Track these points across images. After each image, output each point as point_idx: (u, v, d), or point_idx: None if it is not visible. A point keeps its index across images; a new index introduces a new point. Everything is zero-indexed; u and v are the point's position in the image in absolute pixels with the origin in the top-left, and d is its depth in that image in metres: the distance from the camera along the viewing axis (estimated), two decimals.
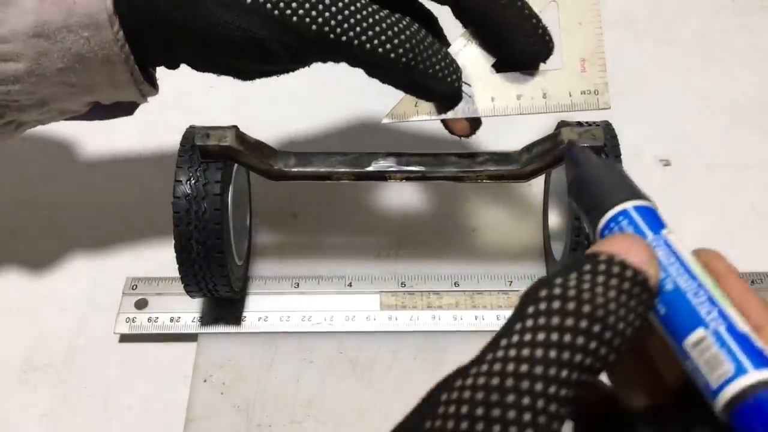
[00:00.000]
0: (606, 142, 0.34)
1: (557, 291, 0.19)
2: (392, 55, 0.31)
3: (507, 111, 0.35)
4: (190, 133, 0.36)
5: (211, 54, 0.33)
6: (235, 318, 0.42)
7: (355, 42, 0.31)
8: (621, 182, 0.23)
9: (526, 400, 0.17)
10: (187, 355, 0.41)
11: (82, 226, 0.46)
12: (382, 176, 0.36)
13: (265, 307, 0.42)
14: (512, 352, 0.18)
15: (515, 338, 0.18)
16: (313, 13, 0.31)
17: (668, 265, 0.20)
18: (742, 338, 0.18)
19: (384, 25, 0.31)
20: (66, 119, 0.37)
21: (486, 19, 0.33)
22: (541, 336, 0.18)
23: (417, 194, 0.48)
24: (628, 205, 0.22)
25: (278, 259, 0.45)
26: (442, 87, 0.33)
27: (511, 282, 0.43)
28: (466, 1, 0.33)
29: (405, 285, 0.43)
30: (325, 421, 0.38)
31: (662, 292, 0.20)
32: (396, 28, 0.31)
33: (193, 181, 0.35)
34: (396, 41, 0.31)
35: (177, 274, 0.37)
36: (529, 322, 0.18)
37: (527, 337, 0.18)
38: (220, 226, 0.35)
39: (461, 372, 0.19)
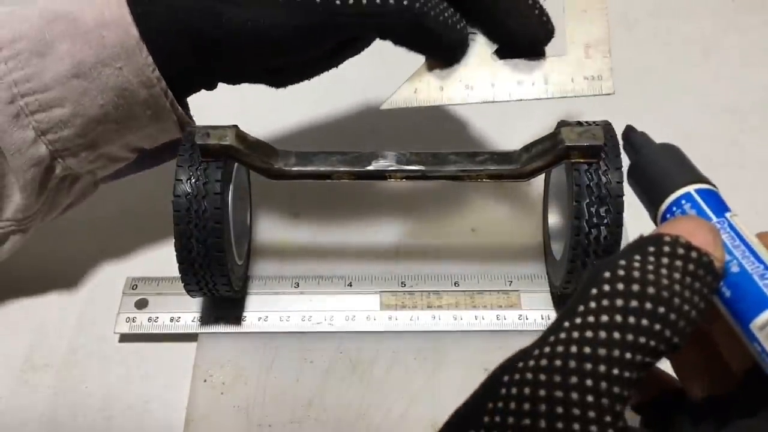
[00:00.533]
0: (606, 142, 0.34)
1: (621, 272, 0.18)
2: (405, 3, 0.32)
3: (507, 97, 0.35)
4: (191, 132, 0.36)
5: (237, 57, 0.34)
6: (235, 318, 0.41)
7: (364, 1, 0.32)
8: (682, 166, 0.23)
9: (589, 382, 0.17)
10: (187, 355, 0.41)
11: (82, 226, 0.46)
12: (382, 175, 0.36)
13: (265, 307, 0.42)
14: (575, 334, 0.18)
15: (578, 320, 0.18)
16: None
17: (733, 248, 0.20)
18: None
19: None
20: (117, 176, 0.39)
21: (482, 2, 0.34)
22: (604, 318, 0.18)
23: (417, 194, 0.48)
24: (691, 188, 0.22)
25: (278, 259, 0.45)
26: (453, 34, 0.34)
27: (511, 282, 0.43)
28: None
29: (405, 285, 0.43)
30: (325, 421, 0.38)
31: (727, 274, 0.20)
32: None
33: (193, 180, 0.35)
34: None
35: (177, 274, 0.37)
36: (593, 304, 0.18)
37: (590, 318, 0.18)
38: (221, 224, 0.35)
39: (524, 353, 0.19)
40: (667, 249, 0.19)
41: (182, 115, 0.36)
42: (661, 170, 0.23)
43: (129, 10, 0.32)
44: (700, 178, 0.22)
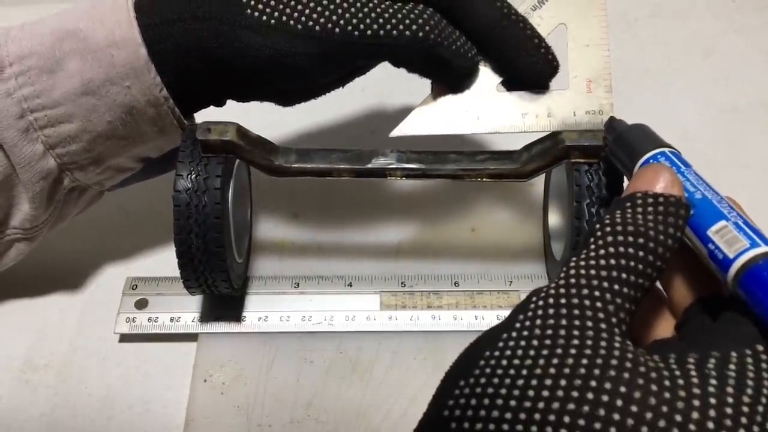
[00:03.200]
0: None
1: (607, 221, 0.24)
2: (420, 34, 0.33)
3: (512, 128, 0.36)
4: (192, 128, 0.36)
5: (250, 79, 0.35)
6: (235, 318, 0.41)
7: (381, 32, 0.32)
8: (656, 136, 0.28)
9: (596, 293, 0.22)
10: (187, 355, 0.41)
11: (82, 226, 0.46)
12: (382, 173, 0.36)
13: (265, 307, 0.42)
14: (582, 263, 0.23)
15: (583, 256, 0.24)
16: (334, 17, 0.32)
17: (698, 184, 0.25)
18: (756, 229, 0.23)
19: (404, 11, 0.33)
20: (124, 184, 0.40)
21: (489, 39, 0.34)
22: (602, 251, 0.23)
23: (417, 194, 0.48)
24: (666, 149, 0.27)
25: (278, 258, 0.45)
26: (465, 62, 0.34)
27: (511, 282, 0.43)
28: (470, 23, 0.34)
29: (405, 285, 0.43)
30: (325, 421, 0.38)
31: (693, 200, 0.25)
32: (415, 12, 0.33)
33: (193, 176, 0.35)
34: (420, 21, 0.33)
35: (177, 274, 0.37)
36: (593, 246, 0.24)
37: (592, 254, 0.24)
38: (220, 220, 0.35)
39: (548, 285, 0.23)
40: (639, 201, 0.24)
41: (188, 128, 0.37)
42: (641, 137, 0.29)
43: (139, 30, 0.33)
44: (670, 145, 0.28)
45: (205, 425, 0.38)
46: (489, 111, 0.35)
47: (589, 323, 0.22)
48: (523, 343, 0.22)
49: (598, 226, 0.24)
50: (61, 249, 0.45)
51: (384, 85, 0.48)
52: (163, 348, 0.41)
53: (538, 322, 0.22)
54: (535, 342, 0.22)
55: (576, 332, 0.21)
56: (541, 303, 0.23)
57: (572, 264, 0.24)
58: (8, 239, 0.38)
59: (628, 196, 0.25)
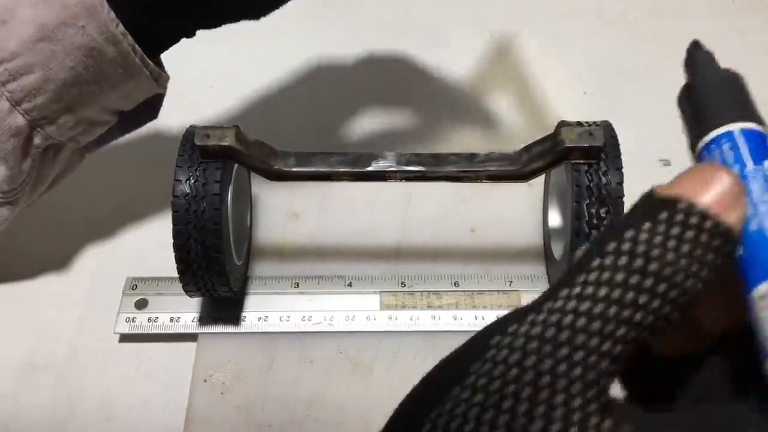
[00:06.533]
0: (606, 142, 0.34)
1: (626, 246, 0.17)
2: None
3: None
4: (190, 133, 0.36)
5: None
6: (235, 318, 0.42)
7: None
8: (736, 99, 0.20)
9: (579, 355, 0.17)
10: (187, 355, 0.41)
11: (82, 226, 0.46)
12: (381, 176, 0.36)
13: (265, 307, 0.42)
14: (571, 304, 0.17)
15: (576, 290, 0.17)
16: None
17: (760, 203, 0.17)
18: None
19: None
20: (101, 143, 0.39)
21: None
22: (603, 291, 0.17)
23: (417, 194, 0.48)
24: (735, 126, 0.19)
25: (278, 259, 0.45)
26: None
27: (511, 282, 0.43)
28: None
29: (405, 285, 0.43)
30: (325, 421, 0.38)
31: (745, 230, 0.17)
32: None
33: (192, 181, 0.35)
34: None
35: (177, 274, 0.37)
36: (593, 276, 0.17)
37: (589, 290, 0.17)
38: (219, 225, 0.35)
39: (517, 316, 0.18)
40: (680, 217, 0.17)
41: (155, 70, 0.36)
42: (712, 100, 0.20)
43: None
44: (750, 116, 0.19)
45: (205, 425, 0.38)
46: None
47: (560, 399, 0.16)
48: (464, 409, 0.17)
49: (612, 246, 0.17)
50: (61, 249, 0.45)
51: (383, 86, 0.47)
52: (163, 348, 0.41)
53: (496, 384, 0.17)
54: (476, 410, 0.17)
55: (538, 405, 0.16)
56: (504, 353, 0.17)
57: (559, 303, 0.17)
58: None
59: (667, 201, 0.18)
